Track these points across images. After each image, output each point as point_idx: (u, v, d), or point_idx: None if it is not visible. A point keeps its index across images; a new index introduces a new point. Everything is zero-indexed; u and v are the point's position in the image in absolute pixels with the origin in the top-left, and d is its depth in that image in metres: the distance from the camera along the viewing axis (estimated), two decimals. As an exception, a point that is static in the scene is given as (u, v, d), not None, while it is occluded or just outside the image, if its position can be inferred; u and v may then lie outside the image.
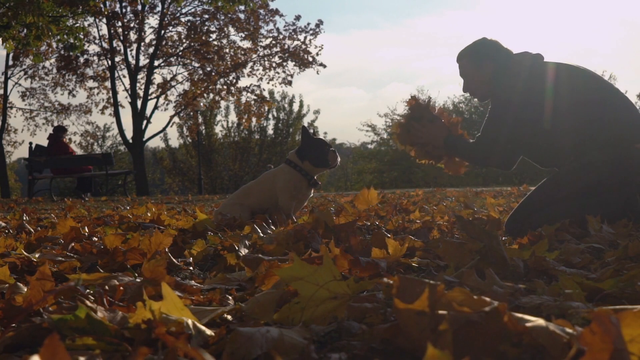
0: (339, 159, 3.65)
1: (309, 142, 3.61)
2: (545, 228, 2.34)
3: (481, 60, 2.94)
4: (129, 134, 22.88)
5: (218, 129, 31.86)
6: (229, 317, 1.10)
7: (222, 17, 22.29)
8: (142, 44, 22.78)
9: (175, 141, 36.64)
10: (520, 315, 0.89)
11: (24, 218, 4.42)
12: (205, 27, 22.69)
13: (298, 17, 22.88)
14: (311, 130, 3.75)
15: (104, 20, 21.79)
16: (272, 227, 2.96)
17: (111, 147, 36.04)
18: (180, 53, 23.01)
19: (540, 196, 2.78)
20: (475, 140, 2.95)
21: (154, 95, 23.07)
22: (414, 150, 3.10)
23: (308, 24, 23.24)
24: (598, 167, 2.63)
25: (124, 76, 25.53)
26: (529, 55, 2.92)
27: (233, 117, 32.35)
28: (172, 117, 23.61)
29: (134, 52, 22.90)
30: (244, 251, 1.96)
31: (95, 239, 2.56)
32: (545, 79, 2.79)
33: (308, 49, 22.64)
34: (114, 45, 22.58)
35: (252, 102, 23.46)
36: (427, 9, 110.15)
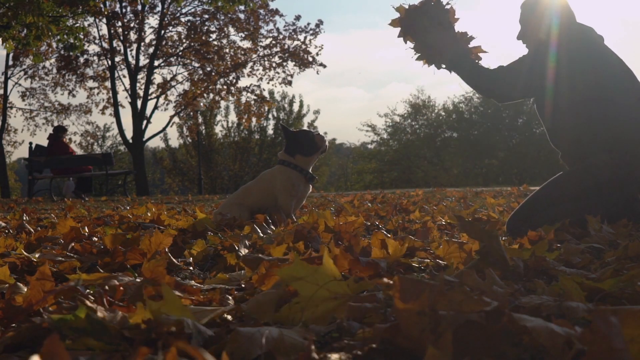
0: (327, 141, 3.67)
1: (292, 136, 3.64)
2: (545, 228, 2.34)
3: (544, 20, 2.86)
4: (129, 134, 22.91)
5: (218, 129, 31.94)
6: (229, 317, 1.10)
7: (222, 17, 22.29)
8: (142, 44, 22.79)
9: (175, 141, 36.70)
10: (520, 315, 0.89)
11: (24, 218, 4.42)
12: (205, 27, 22.69)
13: (298, 17, 22.90)
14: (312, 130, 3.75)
15: (104, 20, 21.79)
16: (272, 227, 2.96)
17: (111, 147, 36.05)
18: (180, 53, 23.01)
19: (542, 197, 2.78)
20: (491, 68, 2.86)
21: (154, 95, 23.09)
22: (414, 45, 2.92)
23: (308, 24, 23.32)
24: (602, 169, 2.63)
25: (124, 76, 25.54)
26: (594, 33, 2.85)
27: (233, 117, 32.42)
28: (172, 117, 23.62)
29: (134, 52, 22.92)
30: (244, 251, 1.96)
31: (95, 239, 2.56)
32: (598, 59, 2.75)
33: (308, 49, 22.65)
34: (114, 45, 22.59)
35: (252, 102, 23.47)
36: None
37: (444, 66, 2.93)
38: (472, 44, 2.91)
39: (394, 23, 2.92)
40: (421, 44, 2.90)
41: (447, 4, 2.90)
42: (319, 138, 3.62)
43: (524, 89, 2.82)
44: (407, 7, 2.89)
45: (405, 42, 2.95)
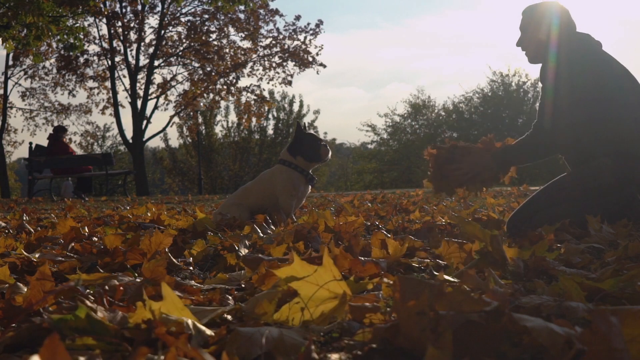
0: (330, 153, 3.69)
1: (301, 137, 3.64)
2: (545, 228, 2.34)
3: (544, 21, 2.85)
4: (129, 134, 22.92)
5: (218, 129, 31.92)
6: (229, 317, 1.10)
7: (222, 17, 22.29)
8: (142, 44, 22.79)
9: (175, 141, 36.66)
10: (520, 315, 0.89)
11: (24, 218, 4.42)
12: (205, 27, 22.69)
13: (298, 17, 22.89)
14: (311, 130, 3.77)
15: (104, 20, 21.79)
16: (272, 227, 2.96)
17: (111, 147, 36.06)
18: (180, 53, 23.01)
19: (543, 198, 2.79)
20: (534, 133, 2.87)
21: (154, 95, 23.09)
22: (466, 188, 2.94)
23: (308, 24, 23.25)
24: (604, 172, 2.63)
25: (124, 76, 25.54)
26: (592, 39, 2.85)
27: (233, 117, 32.40)
28: (172, 117, 23.62)
29: (134, 52, 22.92)
30: (244, 251, 1.96)
31: (95, 239, 2.56)
32: (606, 66, 2.74)
33: (308, 49, 22.65)
34: (114, 45, 22.59)
35: (252, 102, 23.47)
36: (428, 8, 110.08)
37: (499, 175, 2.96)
38: (497, 141, 2.96)
39: (437, 197, 2.98)
40: (466, 183, 2.92)
41: (446, 140, 2.97)
42: (324, 150, 3.63)
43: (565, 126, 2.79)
44: (428, 178, 2.96)
45: (458, 195, 3.00)
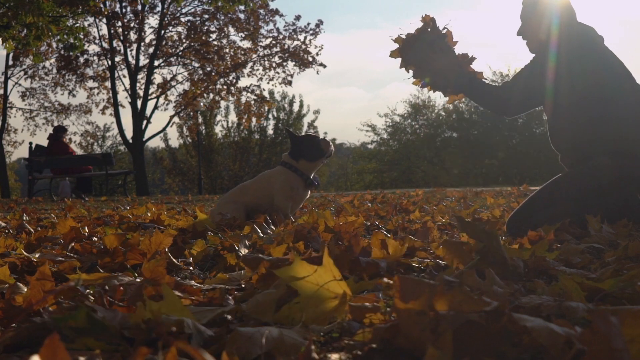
0: (332, 146, 3.67)
1: (297, 141, 3.63)
2: (545, 228, 2.34)
3: (544, 21, 2.86)
4: (129, 134, 22.93)
5: (218, 129, 31.97)
6: (229, 317, 1.10)
7: (222, 17, 22.30)
8: (142, 44, 22.80)
9: (175, 141, 36.68)
10: (520, 315, 0.89)
11: (24, 218, 4.42)
12: (205, 27, 22.70)
13: (298, 17, 22.91)
14: (311, 130, 3.76)
15: (104, 20, 21.80)
16: (272, 227, 2.96)
17: (111, 147, 36.08)
18: (180, 53, 23.02)
19: (542, 197, 2.78)
20: (497, 86, 2.92)
21: (154, 95, 23.10)
22: (413, 71, 2.92)
23: (308, 24, 23.29)
24: (603, 172, 2.63)
25: (124, 76, 25.58)
26: (594, 33, 2.85)
27: (233, 117, 32.44)
28: (172, 117, 23.64)
29: (134, 52, 22.93)
30: (244, 251, 1.96)
31: (95, 239, 2.56)
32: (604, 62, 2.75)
33: (308, 49, 22.66)
34: (114, 45, 22.60)
35: (252, 102, 23.48)
36: (428, 8, 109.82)
37: (449, 90, 2.96)
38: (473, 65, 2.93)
39: (393, 54, 2.92)
40: (423, 71, 2.90)
41: (444, 28, 2.90)
42: (325, 143, 3.61)
43: (527, 102, 2.85)
44: (404, 37, 2.88)
45: (407, 71, 2.95)
